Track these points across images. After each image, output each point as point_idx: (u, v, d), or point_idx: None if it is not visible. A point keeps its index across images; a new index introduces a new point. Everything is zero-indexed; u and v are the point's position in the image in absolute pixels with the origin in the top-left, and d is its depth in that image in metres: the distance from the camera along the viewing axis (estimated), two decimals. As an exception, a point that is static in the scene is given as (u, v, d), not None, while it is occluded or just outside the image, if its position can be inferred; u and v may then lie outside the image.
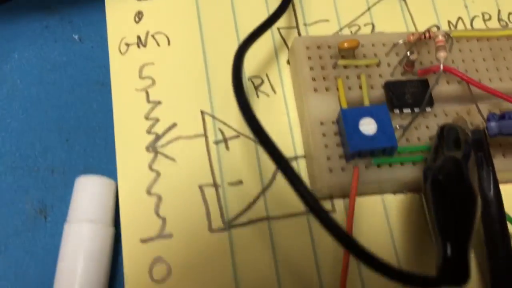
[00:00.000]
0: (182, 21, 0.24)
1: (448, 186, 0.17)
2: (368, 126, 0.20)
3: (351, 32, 0.25)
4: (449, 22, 0.26)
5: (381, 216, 0.22)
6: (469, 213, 0.17)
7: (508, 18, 0.27)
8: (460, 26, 0.26)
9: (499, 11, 0.27)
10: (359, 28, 0.25)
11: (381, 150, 0.20)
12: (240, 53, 0.19)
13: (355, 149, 0.20)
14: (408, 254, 0.21)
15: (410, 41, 0.22)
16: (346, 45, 0.22)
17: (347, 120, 0.20)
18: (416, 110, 0.22)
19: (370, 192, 0.22)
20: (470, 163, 0.18)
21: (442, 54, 0.20)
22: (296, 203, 0.22)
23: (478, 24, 0.26)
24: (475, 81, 0.22)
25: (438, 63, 0.22)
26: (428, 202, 0.18)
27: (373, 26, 0.25)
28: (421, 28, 0.26)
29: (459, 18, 0.26)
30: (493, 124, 0.20)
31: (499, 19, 0.27)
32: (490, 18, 0.27)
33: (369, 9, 0.26)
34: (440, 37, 0.20)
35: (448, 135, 0.19)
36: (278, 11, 0.22)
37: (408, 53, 0.21)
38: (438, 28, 0.22)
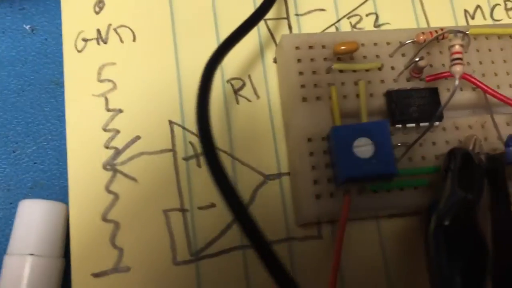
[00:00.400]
0: (152, 13, 0.20)
1: (456, 235, 0.14)
2: (363, 147, 0.17)
3: (350, 23, 0.22)
4: (465, 11, 0.22)
5: (374, 243, 0.19)
6: (479, 269, 0.14)
7: (536, 6, 0.23)
8: (479, 16, 0.22)
9: (525, -2, 0.23)
10: (361, 18, 0.22)
11: (377, 175, 0.17)
12: (210, 68, 0.15)
13: (347, 175, 0.17)
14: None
15: (419, 42, 0.19)
16: (343, 48, 0.18)
17: (338, 140, 0.17)
18: (423, 125, 0.18)
19: (363, 217, 0.19)
20: (482, 201, 0.15)
21: (458, 69, 0.16)
22: (276, 228, 0.19)
23: (500, 14, 0.23)
24: (493, 90, 0.19)
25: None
26: (429, 249, 0.15)
27: (377, 17, 0.22)
28: (433, 17, 0.22)
29: (478, 6, 0.23)
30: (512, 149, 0.16)
31: (525, 8, 0.23)
32: (514, 7, 0.23)
33: (373, -5, 0.22)
34: (457, 48, 0.16)
35: (458, 163, 0.16)
36: (264, 7, 0.18)
37: (417, 58, 0.18)
38: (455, 34, 0.18)
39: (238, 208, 0.14)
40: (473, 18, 0.22)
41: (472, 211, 0.15)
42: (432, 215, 0.15)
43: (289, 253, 0.19)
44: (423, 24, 0.22)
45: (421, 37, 0.19)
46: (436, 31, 0.19)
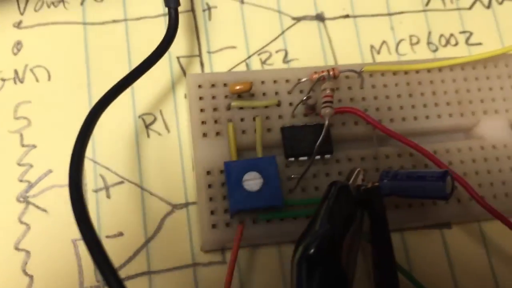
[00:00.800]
0: (67, 53, 0.22)
1: (317, 266, 0.16)
2: (252, 181, 0.19)
3: (260, 60, 0.23)
4: (372, 47, 0.24)
5: (276, 268, 0.20)
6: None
7: (439, 41, 0.24)
8: (384, 51, 0.24)
9: (429, 33, 0.24)
10: (270, 55, 0.23)
11: (265, 207, 0.19)
12: (91, 118, 0.17)
13: (235, 208, 0.18)
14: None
15: (312, 80, 0.20)
16: (238, 88, 0.20)
17: (230, 175, 0.19)
18: (317, 158, 0.20)
19: (264, 243, 0.21)
20: (350, 233, 0.17)
21: (327, 111, 0.18)
22: (182, 254, 0.20)
23: (405, 49, 0.24)
24: (380, 124, 0.20)
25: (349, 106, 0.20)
26: (292, 274, 0.16)
27: (286, 53, 0.23)
28: (340, 53, 0.24)
29: (384, 42, 0.24)
30: (386, 183, 0.18)
31: (429, 43, 0.24)
32: (418, 42, 0.24)
33: (282, 33, 0.24)
34: (328, 91, 0.18)
35: (333, 196, 0.17)
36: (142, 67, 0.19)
37: (305, 97, 0.19)
38: (330, 75, 0.20)
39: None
40: (379, 53, 0.24)
41: (335, 243, 0.16)
42: (300, 245, 0.16)
43: (194, 277, 0.20)
44: (331, 60, 0.24)
45: (314, 76, 0.20)
46: (328, 70, 0.20)
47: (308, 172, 0.20)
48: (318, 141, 0.18)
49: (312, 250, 0.16)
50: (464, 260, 0.21)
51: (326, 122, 0.18)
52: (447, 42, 0.24)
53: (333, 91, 0.18)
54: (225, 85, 0.21)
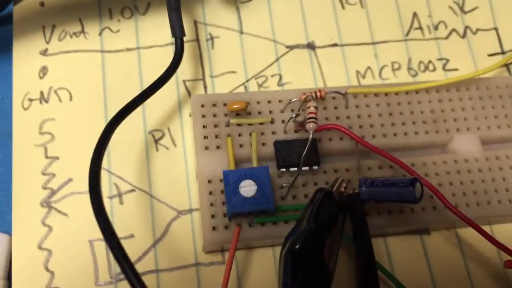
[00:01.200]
0: (86, 76, 0.25)
1: (301, 259, 0.18)
2: (248, 187, 0.21)
3: (257, 83, 0.26)
4: (357, 72, 0.27)
5: (271, 269, 0.23)
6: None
7: (418, 67, 0.27)
8: (369, 76, 0.27)
9: (409, 60, 0.27)
10: (266, 79, 0.26)
11: (261, 210, 0.21)
12: (106, 132, 0.20)
13: (233, 211, 0.21)
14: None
15: (301, 100, 0.23)
16: (235, 107, 0.22)
17: (228, 182, 0.21)
18: (304, 168, 0.22)
19: (260, 245, 0.23)
20: (333, 233, 0.19)
21: (311, 126, 0.21)
22: (186, 255, 0.23)
23: (387, 74, 0.27)
24: (362, 140, 0.23)
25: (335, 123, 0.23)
26: (280, 267, 0.18)
27: (281, 77, 0.26)
28: (329, 77, 0.26)
29: (368, 68, 0.27)
30: (364, 189, 0.20)
31: (409, 69, 0.27)
32: (399, 68, 0.27)
33: (277, 59, 0.26)
34: (312, 109, 0.21)
35: (318, 200, 0.20)
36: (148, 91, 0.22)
37: (294, 115, 0.22)
38: (317, 95, 0.23)
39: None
40: (364, 77, 0.27)
41: (319, 241, 0.18)
42: (288, 241, 0.19)
43: (197, 276, 0.22)
44: (320, 83, 0.26)
45: (302, 96, 0.23)
46: (315, 91, 0.23)
47: (298, 181, 0.22)
48: (304, 153, 0.21)
49: (297, 246, 0.18)
50: (442, 263, 0.24)
51: (311, 136, 0.21)
52: (426, 68, 0.27)
53: (317, 109, 0.21)
54: (224, 104, 0.23)
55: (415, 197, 0.19)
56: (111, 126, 0.20)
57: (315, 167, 0.23)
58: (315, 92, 0.23)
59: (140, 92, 0.22)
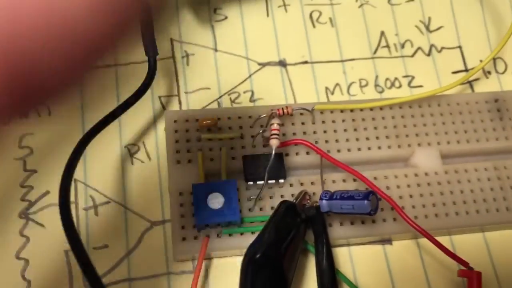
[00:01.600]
0: (64, 92, 0.26)
1: (261, 267, 0.19)
2: (215, 200, 0.22)
3: (230, 99, 0.27)
4: (326, 88, 0.28)
5: (237, 277, 0.24)
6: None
7: (385, 84, 0.28)
8: (337, 92, 0.28)
9: (376, 77, 0.29)
10: (239, 95, 0.27)
11: (228, 222, 0.22)
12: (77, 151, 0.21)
13: (201, 222, 0.22)
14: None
15: (269, 116, 0.24)
16: (205, 123, 0.23)
17: (196, 195, 0.22)
18: (271, 181, 0.24)
19: (229, 255, 0.24)
20: (294, 242, 0.20)
21: (274, 142, 0.22)
22: (158, 264, 0.24)
23: (355, 90, 0.28)
24: (326, 154, 0.24)
25: (298, 139, 0.24)
26: (241, 275, 0.20)
27: (253, 93, 0.27)
28: (299, 94, 0.28)
29: (337, 84, 0.28)
30: (324, 202, 0.22)
31: (376, 85, 0.28)
32: (367, 84, 0.28)
33: (250, 76, 0.28)
34: (275, 125, 0.22)
35: (281, 212, 0.21)
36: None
37: (261, 131, 0.23)
38: (284, 112, 0.24)
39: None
40: (332, 94, 0.28)
41: (279, 251, 0.20)
42: (249, 250, 0.20)
43: (168, 284, 0.24)
44: (291, 99, 0.27)
45: (270, 113, 0.24)
46: (283, 108, 0.24)
47: (265, 194, 0.24)
48: (267, 167, 0.22)
49: (258, 255, 0.19)
50: (403, 271, 0.25)
51: (273, 151, 0.22)
52: (392, 84, 0.29)
53: (280, 125, 0.22)
54: (196, 120, 0.25)
55: (370, 209, 0.20)
56: (84, 141, 0.21)
57: (281, 180, 0.24)
58: (283, 109, 0.24)
59: (113, 109, 0.23)
